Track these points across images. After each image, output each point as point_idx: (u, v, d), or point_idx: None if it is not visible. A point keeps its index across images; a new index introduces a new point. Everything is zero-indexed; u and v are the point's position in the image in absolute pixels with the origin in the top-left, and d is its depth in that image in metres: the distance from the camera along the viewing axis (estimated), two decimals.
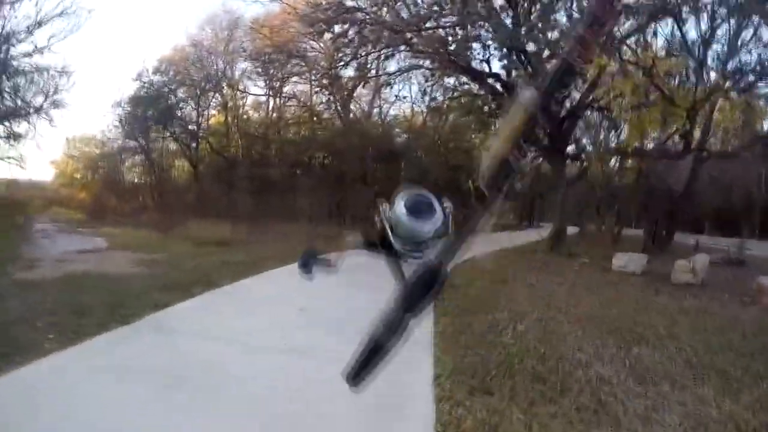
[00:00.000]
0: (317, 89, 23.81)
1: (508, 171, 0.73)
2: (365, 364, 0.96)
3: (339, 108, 23.87)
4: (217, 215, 20.44)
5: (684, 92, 12.30)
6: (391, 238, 1.03)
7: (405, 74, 19.07)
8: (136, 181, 29.91)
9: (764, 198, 37.48)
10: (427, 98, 22.38)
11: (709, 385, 4.31)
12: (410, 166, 25.44)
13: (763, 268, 13.20)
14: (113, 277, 7.90)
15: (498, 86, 15.68)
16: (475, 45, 14.03)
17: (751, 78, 12.36)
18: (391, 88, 21.44)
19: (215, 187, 26.43)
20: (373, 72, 18.33)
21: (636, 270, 11.55)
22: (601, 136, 17.86)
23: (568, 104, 15.00)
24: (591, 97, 14.08)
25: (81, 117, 47.79)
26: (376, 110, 27.23)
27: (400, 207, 1.03)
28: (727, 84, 12.18)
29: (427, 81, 19.13)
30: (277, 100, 27.47)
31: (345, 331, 5.13)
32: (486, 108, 23.83)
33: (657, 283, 10.23)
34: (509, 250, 15.63)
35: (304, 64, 21.16)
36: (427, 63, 15.96)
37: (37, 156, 44.47)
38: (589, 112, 15.60)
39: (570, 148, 16.28)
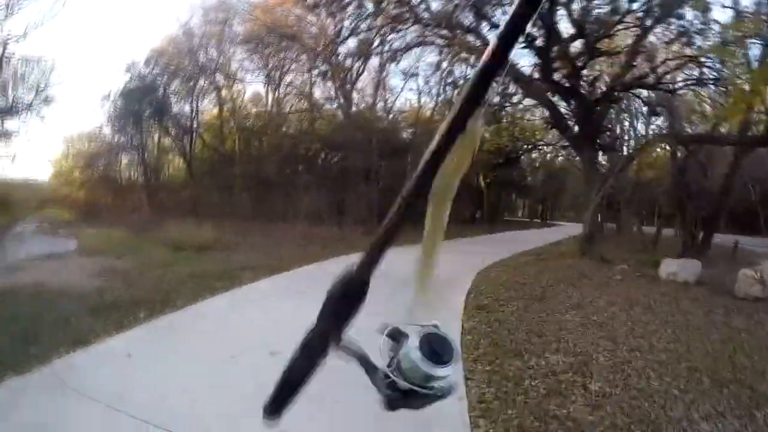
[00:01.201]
0: (316, 76, 21.82)
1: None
2: (284, 394, 0.78)
3: (340, 97, 21.88)
4: (208, 215, 18.81)
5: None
6: (400, 384, 0.69)
7: (414, 50, 16.60)
8: (132, 178, 28.23)
9: None
10: (439, 76, 19.92)
11: None
12: (418, 162, 23.45)
13: None
14: (59, 290, 6.52)
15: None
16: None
17: None
18: (398, 63, 18.83)
19: (208, 185, 24.77)
20: (377, 49, 15.89)
21: (689, 279, 9.77)
22: (642, 123, 15.65)
23: (602, 85, 13.10)
24: (633, 74, 12.12)
25: (72, 112, 45.39)
26: (380, 104, 25.29)
27: (413, 348, 0.70)
28: None
29: (441, 54, 16.77)
30: (277, 91, 25.58)
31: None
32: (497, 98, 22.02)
33: (720, 296, 8.53)
34: (531, 254, 13.90)
35: (301, 46, 19.03)
36: (439, 40, 13.89)
37: (33, 155, 42.40)
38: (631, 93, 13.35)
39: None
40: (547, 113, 16.11)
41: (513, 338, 5.11)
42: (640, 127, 19.06)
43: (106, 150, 25.32)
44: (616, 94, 12.54)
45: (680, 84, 12.72)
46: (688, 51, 11.73)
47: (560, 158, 36.28)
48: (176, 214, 19.14)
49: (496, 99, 22.58)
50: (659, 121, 15.77)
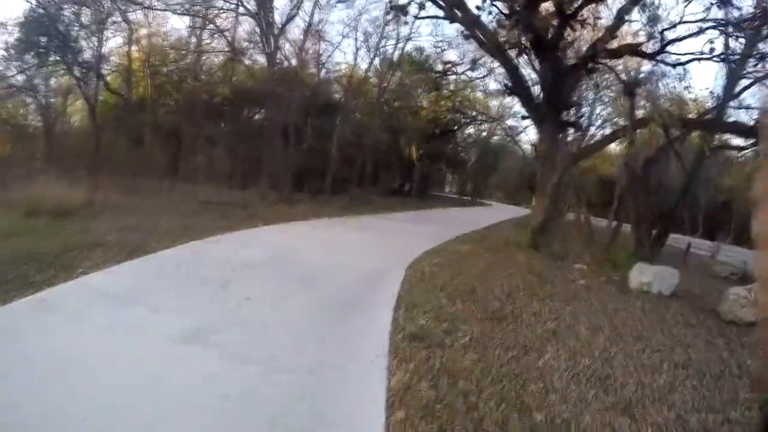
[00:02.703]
0: (242, 14, 18.71)
1: None
2: None
3: (265, 43, 18.78)
4: (107, 170, 15.87)
5: None
6: None
7: None
8: (37, 125, 23.96)
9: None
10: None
11: None
12: (346, 124, 20.99)
13: None
14: None
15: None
16: None
17: None
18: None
19: (113, 135, 21.23)
20: None
21: (664, 291, 8.12)
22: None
23: (571, 52, 11.05)
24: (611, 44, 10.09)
25: None
26: (313, 56, 22.40)
27: None
28: None
29: None
30: (200, 34, 22.16)
31: None
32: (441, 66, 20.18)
33: (706, 317, 6.97)
34: (471, 240, 11.95)
35: None
36: None
37: None
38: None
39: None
40: (493, 84, 14.03)
41: (478, 416, 2.94)
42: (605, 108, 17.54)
43: (3, 90, 21.11)
44: (594, 62, 10.41)
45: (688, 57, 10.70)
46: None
47: (497, 136, 35.19)
48: (72, 168, 16.01)
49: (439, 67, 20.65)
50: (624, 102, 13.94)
